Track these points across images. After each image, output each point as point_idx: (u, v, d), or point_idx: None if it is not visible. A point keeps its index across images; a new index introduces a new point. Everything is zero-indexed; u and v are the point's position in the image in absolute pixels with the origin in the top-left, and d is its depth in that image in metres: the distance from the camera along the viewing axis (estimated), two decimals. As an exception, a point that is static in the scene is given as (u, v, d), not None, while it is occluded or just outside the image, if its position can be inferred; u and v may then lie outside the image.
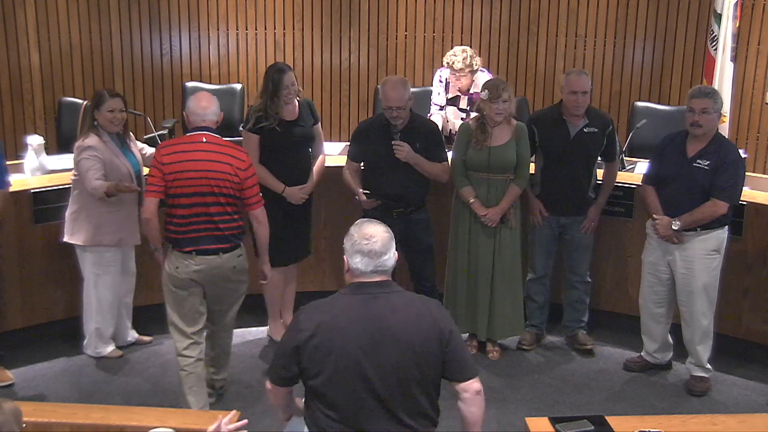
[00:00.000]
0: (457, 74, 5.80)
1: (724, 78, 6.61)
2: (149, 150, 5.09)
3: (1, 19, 7.00)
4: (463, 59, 5.76)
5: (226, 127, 5.34)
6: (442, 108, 6.02)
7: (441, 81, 6.00)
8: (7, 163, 4.87)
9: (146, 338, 5.30)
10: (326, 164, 5.23)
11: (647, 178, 4.88)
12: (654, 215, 4.76)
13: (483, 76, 5.80)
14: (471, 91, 5.87)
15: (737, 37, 6.65)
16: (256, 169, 4.95)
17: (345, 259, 3.06)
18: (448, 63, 5.83)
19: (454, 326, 3.09)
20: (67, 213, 4.88)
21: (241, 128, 5.32)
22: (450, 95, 5.97)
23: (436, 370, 3.02)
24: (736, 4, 6.53)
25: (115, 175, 4.74)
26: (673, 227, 4.65)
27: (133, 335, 5.26)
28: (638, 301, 5.03)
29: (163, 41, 7.29)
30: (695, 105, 4.60)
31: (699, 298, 4.75)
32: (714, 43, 6.65)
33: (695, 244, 4.70)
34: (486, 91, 4.89)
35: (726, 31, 6.57)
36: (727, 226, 4.76)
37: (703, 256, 4.70)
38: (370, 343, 2.95)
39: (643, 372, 5.07)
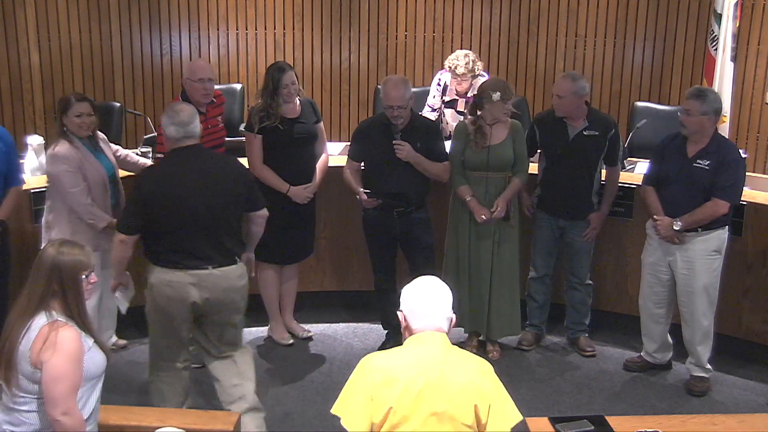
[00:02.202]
0: (459, 79, 5.82)
1: (724, 78, 6.61)
2: (124, 152, 5.02)
3: (1, 19, 7.00)
4: (465, 64, 5.77)
5: (226, 127, 5.33)
6: (434, 110, 6.02)
7: (439, 84, 6.00)
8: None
9: (121, 342, 5.24)
10: (328, 164, 5.23)
11: (647, 178, 4.88)
12: (655, 216, 4.76)
13: (482, 80, 5.80)
14: (469, 95, 5.87)
15: (737, 37, 6.65)
16: (261, 171, 4.96)
17: (161, 130, 4.08)
18: (450, 67, 5.83)
19: (250, 174, 4.28)
20: (43, 221, 4.79)
21: (242, 128, 5.32)
22: (447, 98, 5.98)
23: (243, 205, 4.13)
24: (736, 4, 6.52)
25: (87, 180, 4.64)
26: (675, 228, 4.65)
27: (112, 341, 5.17)
28: (638, 302, 5.03)
29: (163, 41, 7.29)
30: (683, 105, 4.67)
31: (699, 298, 4.75)
32: (714, 43, 6.65)
33: (696, 245, 4.70)
34: (498, 93, 4.83)
35: (726, 31, 6.57)
36: (727, 226, 4.76)
37: (704, 257, 4.70)
38: (202, 189, 3.96)
39: (643, 372, 5.08)
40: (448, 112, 5.99)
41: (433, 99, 6.03)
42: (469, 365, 2.83)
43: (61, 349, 2.94)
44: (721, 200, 4.60)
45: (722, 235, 4.74)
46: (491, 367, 2.89)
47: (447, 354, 2.83)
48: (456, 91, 5.92)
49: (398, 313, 2.91)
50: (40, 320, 2.99)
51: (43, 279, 3.03)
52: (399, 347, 2.88)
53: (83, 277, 3.08)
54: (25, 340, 2.97)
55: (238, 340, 4.29)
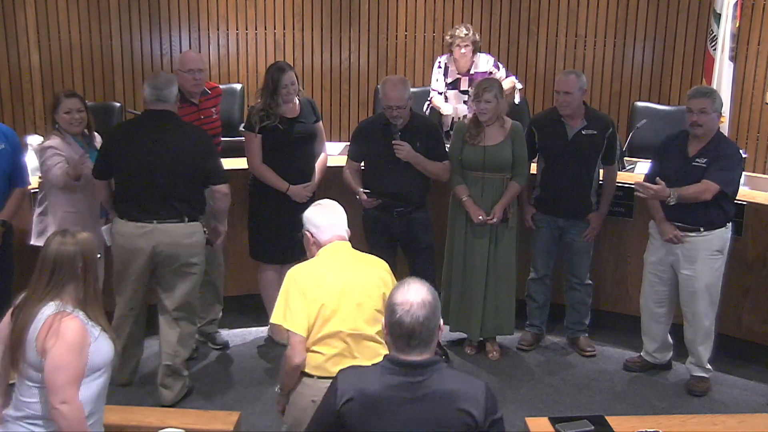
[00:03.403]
0: (460, 44, 5.89)
1: (723, 78, 6.61)
2: None
3: (1, 19, 7.01)
4: (466, 30, 5.94)
5: (226, 127, 5.34)
6: (440, 93, 6.11)
7: (440, 67, 6.10)
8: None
9: None
10: (327, 164, 5.23)
11: (648, 177, 4.86)
12: (649, 186, 4.68)
13: (483, 57, 5.97)
14: (471, 72, 5.91)
15: (737, 37, 6.65)
16: (260, 170, 4.96)
17: (143, 92, 4.49)
18: (451, 35, 5.97)
19: (214, 148, 4.62)
20: (35, 216, 4.83)
21: (241, 128, 5.32)
22: (450, 79, 6.03)
23: (199, 176, 4.46)
24: (735, 4, 6.53)
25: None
26: (670, 202, 4.60)
27: None
28: (639, 301, 5.02)
29: (163, 41, 7.30)
30: (693, 105, 4.60)
31: (702, 298, 4.74)
32: (713, 43, 6.65)
33: (698, 245, 4.69)
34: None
35: (725, 31, 6.57)
36: (730, 224, 4.74)
37: (706, 257, 4.69)
38: (157, 149, 4.37)
39: (643, 372, 5.07)
40: (452, 94, 6.03)
41: (437, 82, 6.11)
42: (375, 264, 3.45)
43: (63, 338, 2.97)
44: (711, 182, 4.55)
45: (725, 234, 4.73)
46: (387, 264, 3.48)
47: (356, 257, 3.46)
48: (457, 70, 5.96)
49: (305, 233, 3.48)
50: (48, 309, 3.01)
51: (66, 269, 3.05)
52: (316, 257, 3.43)
53: (99, 256, 3.17)
54: (32, 329, 3.00)
55: (190, 308, 4.61)
